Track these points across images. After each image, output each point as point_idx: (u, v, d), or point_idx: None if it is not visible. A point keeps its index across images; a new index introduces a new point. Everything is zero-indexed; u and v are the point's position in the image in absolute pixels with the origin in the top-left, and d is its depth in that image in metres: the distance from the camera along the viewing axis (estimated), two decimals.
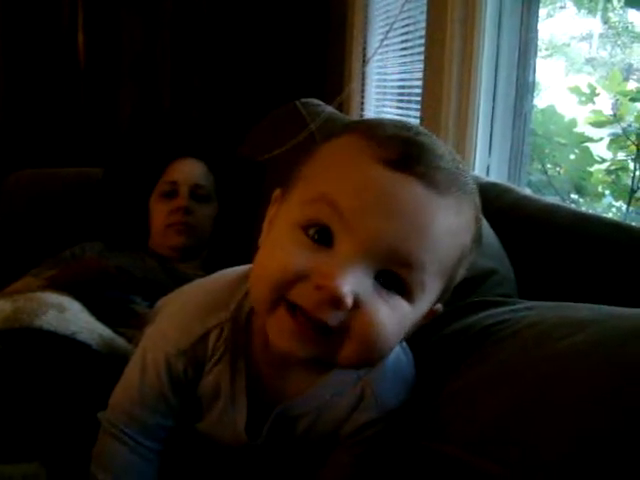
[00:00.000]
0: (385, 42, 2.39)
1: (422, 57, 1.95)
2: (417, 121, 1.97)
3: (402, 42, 2.24)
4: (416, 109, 2.01)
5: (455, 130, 1.71)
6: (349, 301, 0.53)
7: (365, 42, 2.71)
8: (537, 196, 1.13)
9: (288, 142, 1.61)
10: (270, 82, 2.90)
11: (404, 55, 2.22)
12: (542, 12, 1.91)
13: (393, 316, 0.56)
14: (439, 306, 0.63)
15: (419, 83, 1.98)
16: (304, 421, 0.69)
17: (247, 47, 2.88)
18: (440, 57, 1.75)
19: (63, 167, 2.23)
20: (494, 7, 1.63)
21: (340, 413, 0.68)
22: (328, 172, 0.58)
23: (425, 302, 0.58)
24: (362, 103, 2.77)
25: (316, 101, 1.87)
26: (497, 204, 1.13)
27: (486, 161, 1.67)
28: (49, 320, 0.85)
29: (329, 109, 1.70)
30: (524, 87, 1.64)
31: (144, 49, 2.81)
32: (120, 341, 0.94)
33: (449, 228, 0.56)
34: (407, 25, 2.16)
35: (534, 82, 1.65)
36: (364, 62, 2.68)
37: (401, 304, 0.56)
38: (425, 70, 1.92)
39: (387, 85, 2.50)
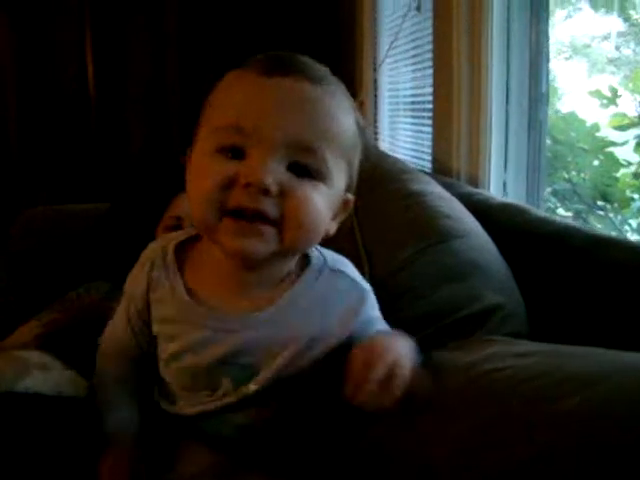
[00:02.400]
0: (395, 53, 2.35)
1: (432, 68, 1.89)
2: (429, 136, 1.92)
3: (413, 54, 2.18)
4: (429, 123, 1.95)
5: (468, 144, 1.64)
6: (274, 188, 0.64)
7: (375, 53, 2.67)
8: (551, 217, 1.06)
9: None
10: None
11: (415, 65, 2.16)
12: (561, 14, 1.85)
13: (315, 196, 0.66)
14: (350, 196, 0.73)
15: (430, 95, 1.92)
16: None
17: None
18: (448, 68, 1.69)
19: (74, 202, 2.22)
20: (501, 15, 1.56)
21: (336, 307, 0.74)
22: (227, 101, 0.68)
23: (336, 183, 0.69)
24: (375, 114, 2.72)
25: None
26: (509, 226, 1.07)
27: (502, 177, 1.59)
28: (34, 381, 0.81)
29: None
30: (537, 96, 1.56)
31: (153, 79, 2.81)
32: None
33: (335, 111, 0.68)
34: (416, 36, 2.11)
35: (548, 90, 1.58)
36: (375, 71, 2.64)
37: (317, 185, 0.67)
38: (435, 82, 1.86)
39: (400, 96, 2.44)
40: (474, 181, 1.60)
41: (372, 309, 0.76)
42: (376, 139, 2.72)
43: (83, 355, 1.02)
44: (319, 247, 0.77)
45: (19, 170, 2.83)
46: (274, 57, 0.69)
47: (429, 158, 1.94)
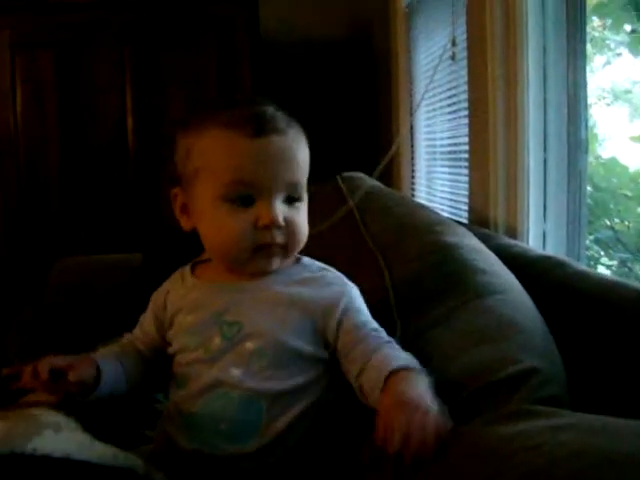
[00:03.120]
0: (431, 101, 2.33)
1: (467, 117, 1.86)
2: (466, 185, 1.88)
3: (448, 102, 2.17)
4: (465, 173, 1.92)
5: (505, 194, 1.60)
6: (283, 222, 0.85)
7: (411, 101, 2.66)
8: (592, 271, 1.01)
9: (327, 220, 1.53)
10: (317, 152, 2.86)
11: (451, 113, 2.14)
12: (600, 60, 1.82)
13: (302, 215, 0.89)
14: None
15: (466, 144, 1.89)
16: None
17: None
18: (484, 116, 1.66)
19: (111, 251, 2.23)
20: (537, 62, 1.53)
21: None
22: (228, 162, 0.85)
23: (306, 199, 0.91)
24: (412, 165, 2.70)
25: (359, 174, 1.80)
26: (547, 280, 1.01)
27: (541, 227, 1.54)
28: (43, 442, 0.77)
29: (369, 183, 1.61)
30: (577, 143, 1.52)
31: None
32: (128, 458, 0.85)
33: (301, 148, 0.89)
34: (452, 85, 2.09)
35: (587, 137, 1.53)
36: (411, 117, 2.62)
37: (301, 205, 0.89)
38: (470, 130, 1.83)
39: (436, 145, 2.42)
40: (512, 232, 1.55)
41: (354, 300, 0.91)
42: (413, 188, 2.69)
43: (105, 415, 1.00)
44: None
45: (57, 218, 2.86)
46: (255, 119, 0.86)
47: (466, 208, 1.90)
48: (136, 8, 2.85)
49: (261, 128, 0.85)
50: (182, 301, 0.92)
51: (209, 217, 0.87)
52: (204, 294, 0.91)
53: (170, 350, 0.93)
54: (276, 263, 0.88)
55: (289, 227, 0.86)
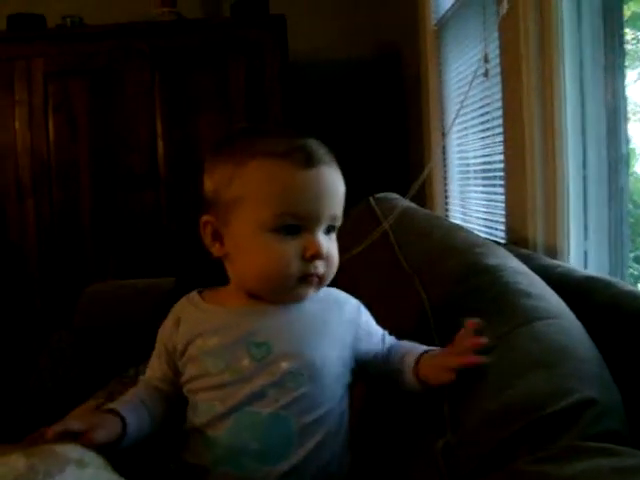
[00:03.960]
0: (464, 119, 2.30)
1: (502, 135, 1.82)
2: (502, 204, 1.83)
3: (481, 120, 2.13)
4: (501, 192, 1.87)
5: (545, 212, 1.55)
6: (325, 254, 0.86)
7: (443, 120, 2.63)
8: None
9: (361, 242, 1.50)
10: (348, 174, 2.85)
11: (484, 131, 2.10)
12: (631, 76, 1.77)
13: (336, 246, 0.91)
14: None
15: (501, 170, 1.85)
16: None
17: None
18: (519, 133, 1.62)
19: (142, 276, 2.23)
20: (574, 75, 1.49)
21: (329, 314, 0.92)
22: (276, 192, 0.85)
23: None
24: (445, 185, 2.66)
25: (391, 195, 1.77)
26: (594, 301, 0.96)
27: (582, 247, 1.49)
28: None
29: (403, 204, 1.58)
30: (617, 159, 1.46)
31: None
32: None
33: (340, 183, 0.90)
34: (484, 102, 2.05)
35: (628, 152, 1.48)
36: (443, 137, 2.59)
37: (335, 236, 0.91)
38: (505, 148, 1.78)
39: (470, 164, 2.38)
40: (552, 252, 1.50)
41: (369, 319, 0.96)
42: (447, 209, 2.65)
43: (133, 449, 0.97)
44: None
45: (90, 244, 2.87)
46: (304, 149, 0.86)
47: (503, 228, 1.85)
48: (166, 33, 2.88)
49: (311, 159, 0.86)
50: (202, 325, 0.90)
51: (251, 245, 0.87)
52: (229, 316, 0.90)
53: (183, 379, 0.91)
54: (312, 292, 0.89)
55: (328, 258, 0.88)
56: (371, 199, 1.71)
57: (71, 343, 1.90)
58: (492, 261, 1.05)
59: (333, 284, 1.40)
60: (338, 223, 0.90)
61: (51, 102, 2.88)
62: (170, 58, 2.88)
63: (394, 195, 1.78)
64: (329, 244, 0.88)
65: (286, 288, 0.87)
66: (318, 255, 0.85)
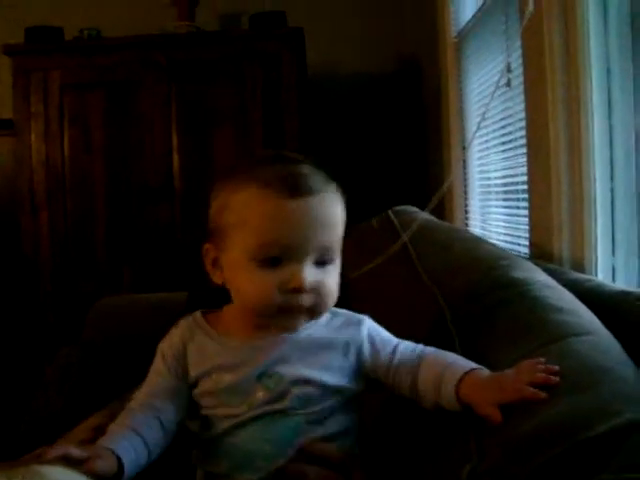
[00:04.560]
0: (484, 132, 2.25)
1: (524, 153, 1.77)
2: (525, 219, 1.77)
3: (503, 131, 2.08)
4: (524, 206, 1.82)
5: (570, 226, 1.49)
6: (310, 287, 0.83)
7: (463, 134, 2.58)
8: None
9: (380, 255, 1.45)
10: (366, 188, 2.80)
11: (505, 144, 2.04)
12: None
13: (333, 278, 0.87)
14: None
15: (523, 183, 1.80)
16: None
17: (342, 161, 2.80)
18: (544, 144, 1.56)
19: (156, 292, 2.19)
20: (601, 84, 1.44)
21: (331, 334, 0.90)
22: (258, 222, 0.84)
23: (339, 260, 0.89)
24: (465, 199, 2.60)
25: (411, 208, 1.72)
26: (628, 317, 0.91)
27: (610, 261, 1.43)
28: None
29: (423, 216, 1.53)
30: None
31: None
32: None
33: (334, 209, 0.87)
34: (506, 113, 2.00)
35: None
36: (463, 151, 2.54)
37: (332, 269, 0.87)
38: (529, 159, 1.73)
39: (491, 179, 2.32)
40: (579, 267, 1.44)
41: (376, 332, 0.92)
42: (467, 223, 2.59)
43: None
44: None
45: (104, 257, 2.85)
46: (290, 178, 0.84)
47: (526, 243, 1.79)
48: (183, 45, 2.86)
49: (296, 189, 0.84)
50: (214, 359, 0.89)
51: (239, 274, 0.87)
52: (241, 353, 0.89)
53: (200, 404, 0.91)
54: (301, 324, 0.87)
55: (317, 290, 0.85)
56: (390, 212, 1.66)
57: (79, 359, 1.86)
58: (518, 274, 0.99)
59: (349, 297, 1.35)
60: (331, 255, 0.86)
61: (67, 114, 2.86)
62: (187, 71, 2.86)
63: (413, 208, 1.74)
64: (321, 276, 0.85)
65: (270, 318, 0.86)
66: (300, 288, 0.83)
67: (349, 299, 1.48)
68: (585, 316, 0.83)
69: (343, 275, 1.69)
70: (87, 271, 2.83)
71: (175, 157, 2.83)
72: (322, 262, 0.85)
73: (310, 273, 0.84)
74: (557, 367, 0.69)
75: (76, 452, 0.78)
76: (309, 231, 0.84)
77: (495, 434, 0.65)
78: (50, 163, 2.85)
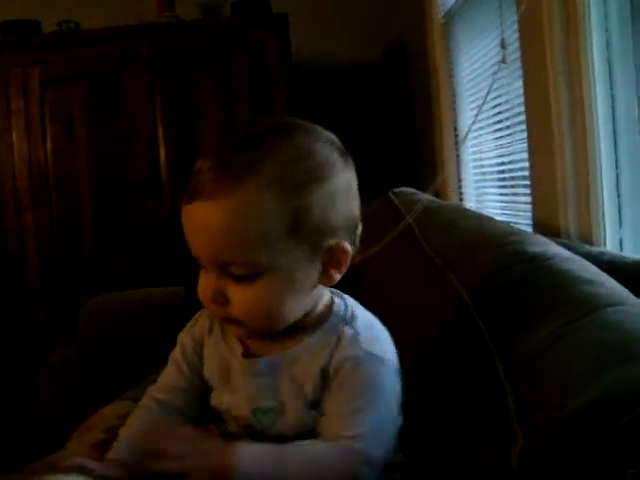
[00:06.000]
0: (477, 121, 2.20)
1: (523, 131, 1.73)
2: (529, 206, 1.73)
3: (496, 118, 2.04)
4: (524, 192, 1.78)
5: (577, 201, 1.46)
6: (219, 298, 0.73)
7: (456, 124, 2.53)
8: None
9: (383, 238, 1.41)
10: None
11: (502, 122, 2.00)
12: None
13: (254, 292, 0.72)
14: (333, 242, 0.74)
15: (523, 161, 1.76)
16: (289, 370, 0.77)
17: None
18: (545, 117, 1.52)
19: (146, 287, 2.15)
20: (602, 55, 1.40)
21: (320, 356, 0.76)
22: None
23: (284, 263, 0.72)
24: (460, 187, 2.56)
25: (410, 190, 1.69)
26: None
27: (617, 234, 1.40)
28: None
29: (425, 197, 1.49)
30: None
31: None
32: None
33: (240, 221, 0.70)
34: (500, 100, 1.96)
35: None
36: (456, 145, 2.49)
37: (257, 285, 0.72)
38: (529, 134, 1.69)
39: (485, 165, 2.28)
40: (587, 241, 1.41)
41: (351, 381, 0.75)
42: (461, 199, 2.55)
43: None
44: (355, 306, 0.82)
45: (91, 253, 2.79)
46: (192, 177, 0.74)
47: (527, 222, 1.75)
48: (164, 35, 2.80)
49: (189, 192, 0.73)
50: (216, 374, 0.84)
51: None
52: (239, 372, 0.81)
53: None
54: (242, 334, 0.79)
55: (232, 305, 0.73)
56: (390, 194, 1.62)
57: (74, 360, 1.81)
58: (535, 249, 0.96)
59: (356, 284, 1.30)
60: (240, 269, 0.71)
61: (48, 110, 2.79)
62: (170, 61, 2.80)
63: (412, 189, 1.70)
64: (235, 289, 0.72)
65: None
66: (206, 299, 0.74)
67: (356, 284, 1.44)
68: (614, 287, 0.79)
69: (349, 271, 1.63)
70: (76, 269, 2.77)
71: (161, 149, 2.77)
72: (239, 276, 0.72)
73: (217, 283, 0.73)
74: None
75: (92, 465, 0.75)
76: (199, 240, 0.73)
77: (538, 413, 0.61)
78: (33, 161, 2.77)
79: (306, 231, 0.72)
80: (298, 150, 0.73)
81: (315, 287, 0.77)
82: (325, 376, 0.75)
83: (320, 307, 0.80)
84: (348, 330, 0.77)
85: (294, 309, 0.76)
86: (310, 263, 0.74)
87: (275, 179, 0.70)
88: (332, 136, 0.78)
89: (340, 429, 0.72)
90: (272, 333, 0.77)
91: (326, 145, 0.75)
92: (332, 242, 0.74)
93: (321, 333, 0.77)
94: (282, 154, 0.72)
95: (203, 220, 0.71)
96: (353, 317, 0.79)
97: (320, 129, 0.78)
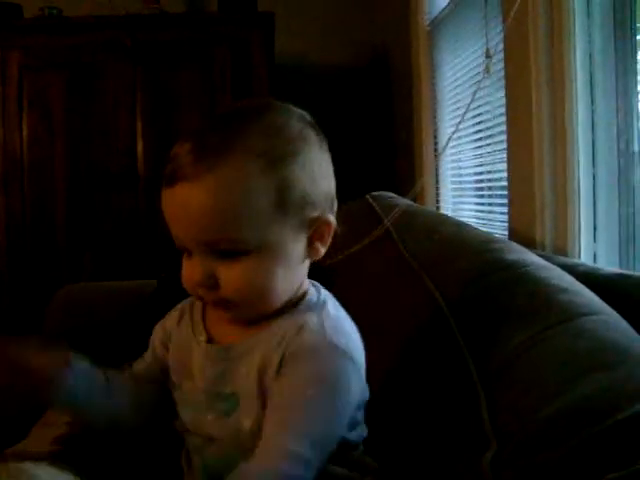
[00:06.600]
0: (459, 119, 2.21)
1: (503, 142, 1.74)
2: (505, 216, 1.74)
3: (476, 128, 2.05)
4: (501, 202, 1.80)
5: (553, 213, 1.48)
6: (209, 282, 0.72)
7: (436, 132, 2.54)
8: None
9: (361, 241, 1.41)
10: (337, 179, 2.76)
11: (483, 131, 2.01)
12: None
13: (243, 269, 0.72)
14: (316, 214, 0.75)
15: (501, 172, 1.78)
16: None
17: None
18: (526, 128, 1.53)
19: (119, 280, 2.11)
20: (584, 69, 1.42)
21: (282, 343, 0.74)
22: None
23: (272, 239, 0.72)
24: (437, 195, 2.57)
25: (388, 194, 1.68)
26: (631, 298, 0.88)
27: (592, 248, 1.41)
28: None
29: (403, 202, 1.49)
30: (628, 156, 1.39)
31: None
32: None
33: (221, 199, 0.70)
34: (481, 110, 1.98)
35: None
36: (436, 153, 2.50)
37: (246, 262, 0.72)
38: (510, 143, 1.70)
39: (463, 175, 2.29)
40: (562, 254, 1.42)
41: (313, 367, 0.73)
42: (437, 207, 2.56)
43: (108, 461, 0.91)
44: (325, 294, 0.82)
45: (64, 243, 2.75)
46: (171, 161, 0.73)
47: (504, 232, 1.76)
48: (149, 27, 2.77)
49: (168, 176, 0.72)
50: (179, 360, 0.84)
51: None
52: (199, 358, 0.81)
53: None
54: (230, 315, 0.77)
55: (223, 285, 0.72)
56: (368, 197, 1.62)
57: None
58: (513, 256, 0.96)
59: (331, 284, 1.30)
60: (230, 245, 0.71)
61: (26, 96, 2.75)
62: (153, 54, 2.77)
63: (390, 194, 1.70)
64: (224, 268, 0.72)
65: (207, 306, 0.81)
66: (192, 282, 0.73)
67: (331, 284, 1.43)
68: (589, 296, 0.80)
69: (320, 260, 1.62)
70: (46, 257, 2.73)
71: (139, 142, 2.74)
72: (227, 252, 0.72)
73: (207, 266, 0.72)
74: None
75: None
76: (183, 223, 0.72)
77: (512, 419, 0.61)
78: (7, 147, 2.73)
79: (290, 203, 0.72)
80: (274, 125, 0.74)
81: (302, 262, 0.78)
82: (282, 362, 0.73)
83: (297, 293, 0.79)
84: (314, 318, 0.75)
85: (285, 285, 0.76)
86: (296, 236, 0.75)
87: (255, 153, 0.71)
88: (305, 113, 0.80)
89: (282, 430, 0.70)
90: (263, 314, 0.76)
91: (300, 120, 0.77)
92: (315, 214, 0.75)
93: (286, 318, 0.76)
94: (259, 129, 0.73)
95: (187, 201, 0.70)
96: (322, 307, 0.78)
97: (293, 107, 0.79)
